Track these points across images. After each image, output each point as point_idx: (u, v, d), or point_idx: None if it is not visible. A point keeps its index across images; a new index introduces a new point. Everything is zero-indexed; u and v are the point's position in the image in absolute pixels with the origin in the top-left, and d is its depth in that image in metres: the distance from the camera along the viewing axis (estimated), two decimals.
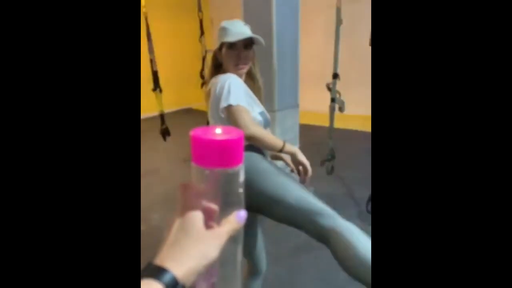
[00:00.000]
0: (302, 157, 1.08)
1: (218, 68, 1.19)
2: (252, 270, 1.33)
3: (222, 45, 1.14)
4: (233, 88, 1.04)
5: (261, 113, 1.16)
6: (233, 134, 0.36)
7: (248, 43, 1.13)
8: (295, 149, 1.08)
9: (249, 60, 1.16)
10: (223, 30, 1.13)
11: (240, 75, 1.15)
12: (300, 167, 1.10)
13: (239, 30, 1.12)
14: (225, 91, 1.03)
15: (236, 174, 0.37)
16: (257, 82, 1.24)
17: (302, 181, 1.11)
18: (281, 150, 1.06)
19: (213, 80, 1.13)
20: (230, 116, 1.04)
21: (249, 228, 1.24)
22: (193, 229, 0.34)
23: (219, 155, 0.35)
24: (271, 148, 1.07)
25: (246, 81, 1.19)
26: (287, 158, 1.17)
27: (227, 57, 1.13)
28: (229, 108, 1.03)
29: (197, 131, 0.36)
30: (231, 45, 1.11)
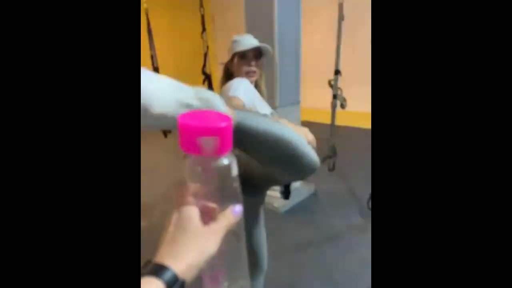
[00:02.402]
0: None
1: (229, 78, 1.29)
2: (253, 267, 1.33)
3: (233, 56, 1.27)
4: (235, 84, 1.15)
5: (272, 114, 1.24)
6: (220, 119, 0.36)
7: (258, 54, 1.27)
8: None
9: (259, 69, 1.29)
10: (235, 43, 1.27)
11: (250, 83, 1.26)
12: None
13: (249, 41, 1.26)
14: (227, 90, 1.14)
15: (228, 168, 0.37)
16: (262, 91, 1.35)
17: None
18: None
19: (224, 86, 1.23)
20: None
21: (250, 222, 1.25)
22: (190, 224, 0.34)
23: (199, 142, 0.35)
24: None
25: None
26: None
27: (239, 66, 1.26)
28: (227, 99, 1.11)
29: (184, 118, 0.35)
30: (243, 55, 1.24)
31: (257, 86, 1.33)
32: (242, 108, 1.07)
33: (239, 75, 1.25)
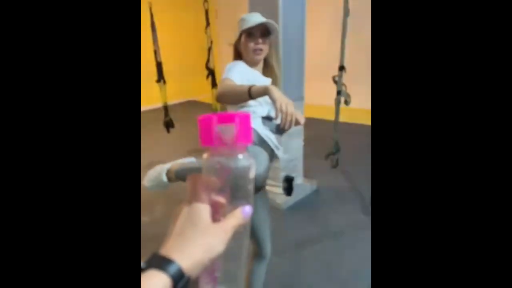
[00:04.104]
0: (274, 94, 0.94)
1: (239, 58, 1.29)
2: (257, 254, 1.33)
3: (241, 34, 1.25)
4: (228, 67, 1.18)
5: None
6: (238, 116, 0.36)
7: (265, 31, 1.24)
8: (265, 86, 0.96)
9: (266, 47, 1.25)
10: (242, 21, 1.24)
11: (257, 61, 1.25)
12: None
13: (256, 19, 1.23)
14: (223, 73, 1.18)
15: (246, 170, 0.37)
16: (274, 70, 1.31)
17: (282, 126, 0.95)
18: (250, 96, 0.99)
19: None
20: None
21: (255, 209, 1.23)
22: (200, 221, 0.34)
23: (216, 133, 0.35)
24: (239, 98, 1.03)
25: (263, 70, 1.29)
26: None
27: (246, 44, 1.24)
28: None
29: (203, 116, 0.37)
30: (249, 33, 1.22)
31: (268, 65, 1.30)
32: (233, 86, 1.08)
33: (247, 53, 1.24)
